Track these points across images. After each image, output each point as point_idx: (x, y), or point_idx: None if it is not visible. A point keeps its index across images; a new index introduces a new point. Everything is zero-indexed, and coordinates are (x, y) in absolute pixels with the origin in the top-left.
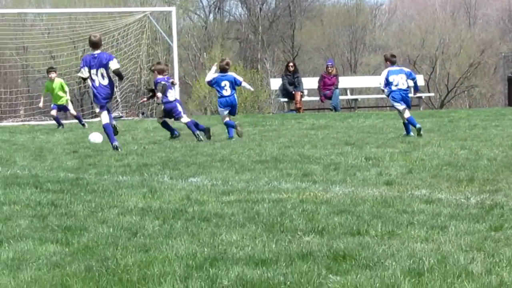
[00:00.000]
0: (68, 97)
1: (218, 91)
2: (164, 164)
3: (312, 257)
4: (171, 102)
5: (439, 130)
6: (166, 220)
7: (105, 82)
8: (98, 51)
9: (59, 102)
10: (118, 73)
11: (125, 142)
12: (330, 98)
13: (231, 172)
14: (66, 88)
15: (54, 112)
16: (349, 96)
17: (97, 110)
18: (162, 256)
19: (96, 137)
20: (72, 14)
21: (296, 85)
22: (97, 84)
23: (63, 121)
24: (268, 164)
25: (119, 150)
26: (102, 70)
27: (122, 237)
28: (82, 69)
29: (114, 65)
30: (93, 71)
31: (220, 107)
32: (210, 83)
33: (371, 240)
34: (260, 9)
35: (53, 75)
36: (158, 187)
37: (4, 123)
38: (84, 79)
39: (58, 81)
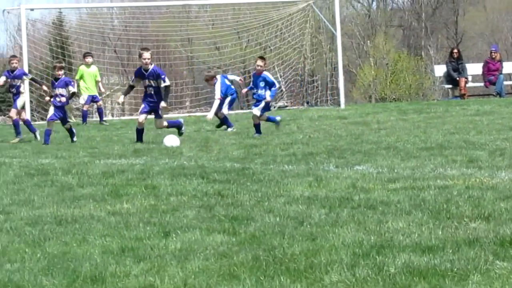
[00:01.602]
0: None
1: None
2: (330, 153)
3: (479, 244)
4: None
5: None
6: (332, 209)
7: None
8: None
9: None
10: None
11: (290, 131)
12: (494, 83)
13: (396, 160)
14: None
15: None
16: None
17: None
18: (328, 244)
19: (173, 141)
20: (236, 5)
21: (460, 71)
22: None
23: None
24: (433, 151)
25: None
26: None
27: (288, 226)
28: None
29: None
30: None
31: None
32: None
33: None
34: None
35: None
36: (324, 176)
37: (171, 115)
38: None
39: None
